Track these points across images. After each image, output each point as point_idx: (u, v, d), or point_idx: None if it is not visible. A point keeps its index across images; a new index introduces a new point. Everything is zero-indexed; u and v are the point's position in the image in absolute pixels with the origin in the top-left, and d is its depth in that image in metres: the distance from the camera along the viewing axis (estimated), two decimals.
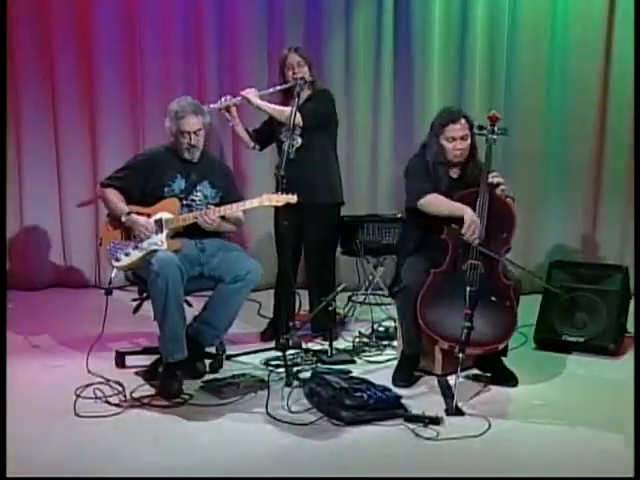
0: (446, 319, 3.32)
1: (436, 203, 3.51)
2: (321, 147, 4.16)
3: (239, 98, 4.11)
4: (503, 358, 3.52)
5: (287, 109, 3.97)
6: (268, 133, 4.28)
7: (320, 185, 4.14)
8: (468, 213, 3.41)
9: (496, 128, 3.56)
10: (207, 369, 3.61)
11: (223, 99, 4.12)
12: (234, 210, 3.60)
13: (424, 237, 3.59)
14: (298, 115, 3.95)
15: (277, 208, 3.95)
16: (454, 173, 3.66)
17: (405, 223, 3.84)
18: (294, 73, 4.08)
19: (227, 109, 4.13)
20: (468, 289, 3.29)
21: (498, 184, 3.52)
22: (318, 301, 4.05)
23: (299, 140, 4.07)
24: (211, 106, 4.01)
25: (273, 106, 4.09)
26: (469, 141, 3.59)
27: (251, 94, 4.08)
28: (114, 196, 3.61)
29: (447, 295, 3.36)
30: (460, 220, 3.41)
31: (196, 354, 3.55)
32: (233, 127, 4.25)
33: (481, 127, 3.58)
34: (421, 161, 3.66)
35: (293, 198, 3.55)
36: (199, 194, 3.67)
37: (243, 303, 3.61)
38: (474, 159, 3.65)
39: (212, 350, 3.68)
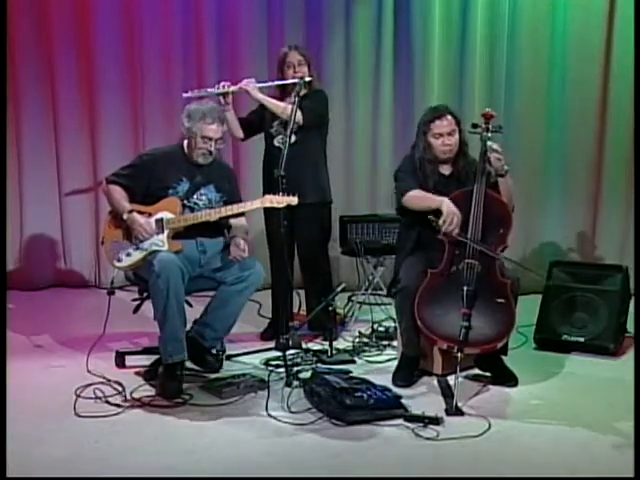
0: (444, 319, 3.32)
1: (417, 197, 3.54)
2: (313, 146, 4.16)
3: (238, 86, 4.08)
4: (503, 357, 3.52)
5: (288, 106, 3.95)
6: (257, 124, 4.25)
7: (310, 185, 4.12)
8: (445, 204, 3.42)
9: (490, 126, 3.55)
10: (216, 364, 3.60)
11: (222, 84, 4.06)
12: (234, 211, 3.58)
13: (421, 237, 3.59)
14: (299, 112, 3.94)
15: (269, 209, 3.95)
16: (445, 170, 3.66)
17: (402, 224, 3.85)
18: (295, 72, 4.08)
19: (224, 95, 4.10)
20: (465, 288, 3.29)
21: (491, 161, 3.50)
22: (315, 300, 4.07)
23: (292, 137, 4.05)
24: (209, 90, 3.99)
25: (274, 101, 4.07)
26: (457, 137, 3.60)
27: (251, 86, 4.06)
28: (118, 193, 3.59)
29: (445, 295, 3.36)
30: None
31: (196, 355, 3.55)
32: (224, 111, 4.20)
33: (475, 125, 3.57)
34: (410, 161, 3.69)
35: (294, 200, 3.53)
36: (203, 197, 3.64)
37: (245, 304, 3.60)
38: (464, 155, 3.65)
39: (212, 350, 3.67)
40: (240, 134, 4.30)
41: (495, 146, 3.50)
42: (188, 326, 3.55)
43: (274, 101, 4.07)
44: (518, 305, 3.45)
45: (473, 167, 3.55)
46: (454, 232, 3.39)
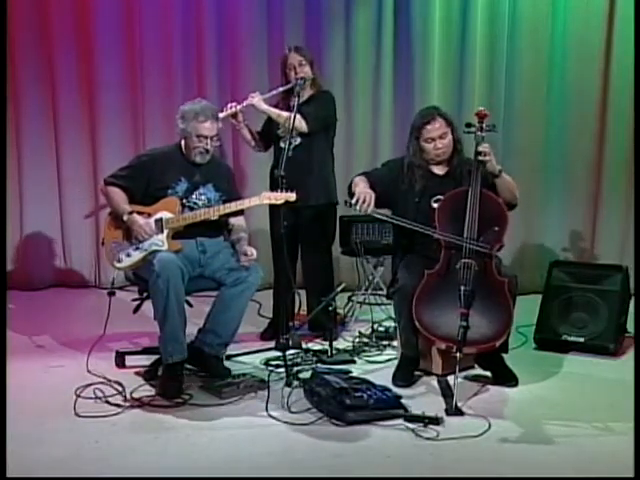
0: (442, 319, 3.31)
1: (355, 182, 3.63)
2: (319, 148, 4.18)
3: (244, 104, 4.11)
4: (504, 356, 3.52)
5: (291, 115, 3.96)
6: (269, 133, 4.29)
7: (316, 186, 4.15)
8: (359, 186, 3.54)
9: (484, 125, 3.54)
10: (225, 370, 3.58)
11: (229, 106, 4.11)
12: (233, 209, 3.59)
13: (415, 237, 3.57)
14: (303, 122, 3.99)
15: (273, 209, 3.97)
16: (440, 170, 3.67)
17: (395, 225, 3.82)
18: (296, 73, 4.09)
19: (234, 116, 4.14)
20: (462, 288, 3.29)
21: (484, 162, 3.48)
22: (316, 301, 4.07)
23: (298, 139, 4.07)
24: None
25: (278, 112, 4.10)
26: (450, 137, 3.60)
27: (256, 99, 4.09)
28: (117, 195, 3.59)
29: (442, 295, 3.35)
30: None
31: (203, 363, 3.56)
32: (239, 130, 4.27)
33: (469, 124, 3.57)
34: (396, 162, 3.73)
35: (292, 196, 3.55)
36: (202, 197, 3.64)
37: (246, 307, 3.59)
38: (459, 154, 3.65)
39: (218, 356, 3.66)
40: (258, 147, 4.36)
41: (481, 148, 3.47)
42: (192, 336, 3.56)
43: (278, 111, 4.10)
44: (518, 305, 3.45)
45: (468, 166, 3.55)
46: (369, 210, 3.44)
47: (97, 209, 5.56)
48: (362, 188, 3.51)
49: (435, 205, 3.53)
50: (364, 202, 3.43)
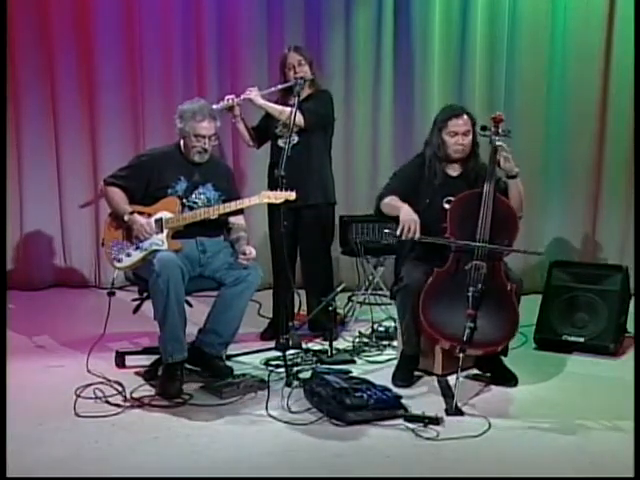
0: (448, 319, 3.31)
1: (388, 205, 3.55)
2: (317, 147, 4.17)
3: (242, 98, 4.11)
4: (503, 358, 3.52)
5: (289, 109, 3.99)
6: (264, 130, 4.29)
7: (314, 186, 4.15)
8: (402, 212, 3.43)
9: (500, 130, 3.56)
10: (227, 369, 3.58)
11: (226, 99, 4.12)
12: (233, 208, 3.59)
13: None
14: (300, 116, 3.97)
15: (272, 209, 3.97)
16: (454, 170, 3.66)
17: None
18: (295, 73, 4.09)
19: (230, 109, 4.14)
20: (471, 289, 3.29)
21: (506, 158, 3.50)
22: (316, 301, 4.07)
23: (296, 138, 4.06)
24: (214, 106, 4.00)
25: (275, 106, 4.11)
26: (471, 137, 3.59)
27: (253, 94, 4.09)
28: (117, 195, 3.59)
29: (450, 295, 3.35)
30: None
31: (205, 363, 3.57)
32: (235, 124, 4.27)
33: (484, 127, 3.57)
34: (414, 163, 3.70)
35: (292, 195, 3.55)
36: (202, 196, 3.64)
37: (247, 306, 3.58)
38: (475, 157, 3.65)
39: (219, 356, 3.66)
40: (250, 143, 4.36)
41: (504, 146, 3.50)
42: (192, 336, 3.57)
43: (275, 106, 4.11)
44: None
45: (483, 170, 3.55)
46: (415, 237, 3.40)
47: (95, 198, 5.56)
48: (405, 215, 3.42)
49: (446, 206, 3.52)
50: (409, 232, 3.39)
